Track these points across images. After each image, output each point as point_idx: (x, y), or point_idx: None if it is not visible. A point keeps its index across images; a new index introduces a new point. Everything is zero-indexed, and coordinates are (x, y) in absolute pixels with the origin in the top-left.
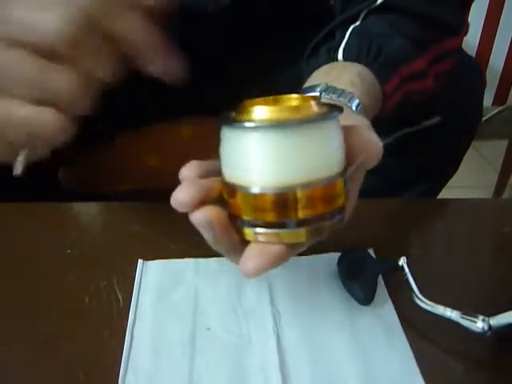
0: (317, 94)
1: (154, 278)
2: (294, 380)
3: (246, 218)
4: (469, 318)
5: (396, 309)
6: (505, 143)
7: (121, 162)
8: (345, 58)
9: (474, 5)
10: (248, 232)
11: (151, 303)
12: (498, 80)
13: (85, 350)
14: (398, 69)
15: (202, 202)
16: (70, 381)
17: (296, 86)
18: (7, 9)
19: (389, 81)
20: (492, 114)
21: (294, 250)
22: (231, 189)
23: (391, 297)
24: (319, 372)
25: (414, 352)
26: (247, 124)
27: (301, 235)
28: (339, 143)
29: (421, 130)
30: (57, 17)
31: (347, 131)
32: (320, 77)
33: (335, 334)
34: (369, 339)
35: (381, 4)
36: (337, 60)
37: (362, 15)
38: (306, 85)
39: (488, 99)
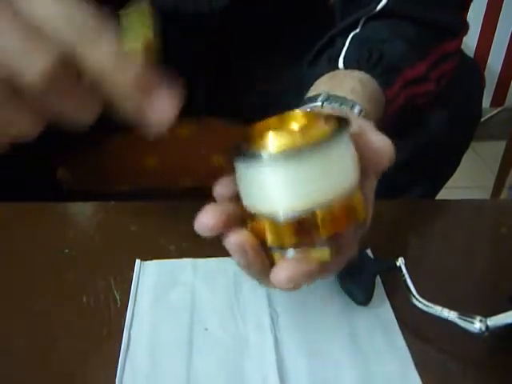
0: (318, 104)
1: (152, 278)
2: (292, 380)
3: (272, 243)
4: (466, 318)
5: (393, 309)
6: (502, 144)
7: (119, 162)
8: (345, 66)
9: (471, 6)
10: (277, 256)
11: (149, 303)
12: (495, 81)
13: (82, 350)
14: (400, 73)
15: (226, 226)
16: (67, 381)
17: (296, 85)
18: None
19: (391, 86)
20: (490, 115)
21: (325, 268)
22: (253, 217)
23: (389, 297)
24: (317, 372)
25: (411, 352)
26: (262, 156)
27: (327, 252)
28: (351, 157)
29: (422, 131)
30: (40, 53)
31: (356, 139)
32: (321, 86)
33: (333, 334)
34: (366, 339)
35: (380, 10)
36: (338, 68)
37: (362, 22)
38: (308, 95)
39: (486, 100)
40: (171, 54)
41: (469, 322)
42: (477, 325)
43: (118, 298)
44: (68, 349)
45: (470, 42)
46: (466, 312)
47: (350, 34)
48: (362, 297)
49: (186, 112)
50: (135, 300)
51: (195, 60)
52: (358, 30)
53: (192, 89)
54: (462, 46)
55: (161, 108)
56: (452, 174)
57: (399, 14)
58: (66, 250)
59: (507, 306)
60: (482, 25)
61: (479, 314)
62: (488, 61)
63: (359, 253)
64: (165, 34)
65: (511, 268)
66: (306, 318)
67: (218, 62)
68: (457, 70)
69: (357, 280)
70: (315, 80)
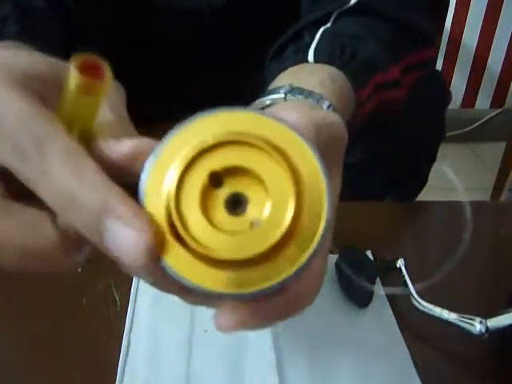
0: (281, 96)
1: None
2: (292, 381)
3: None
4: (466, 319)
5: (393, 310)
6: (502, 145)
7: None
8: (316, 60)
9: (472, 6)
10: None
11: (149, 305)
12: (495, 82)
13: (82, 352)
14: (372, 75)
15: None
16: (67, 383)
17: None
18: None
19: (363, 87)
20: (490, 116)
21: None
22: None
23: (389, 298)
24: (316, 373)
25: (411, 353)
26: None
27: None
28: None
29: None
30: None
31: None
32: (287, 78)
33: (333, 334)
34: (366, 340)
35: (353, 6)
36: (306, 61)
37: (333, 16)
38: (271, 87)
39: (486, 101)
40: (171, 52)
41: (469, 323)
42: (477, 326)
43: (118, 299)
44: (68, 351)
45: (470, 43)
46: (466, 313)
47: (319, 27)
48: (362, 298)
49: (182, 109)
50: (135, 302)
51: (195, 57)
52: (328, 25)
53: (190, 87)
54: (462, 47)
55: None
56: (422, 188)
57: (373, 11)
58: None
59: (507, 307)
60: (482, 26)
61: (479, 316)
62: (488, 62)
63: (359, 254)
64: (165, 31)
65: (511, 269)
66: (305, 319)
67: (217, 60)
68: (421, 82)
69: (357, 281)
70: (280, 72)
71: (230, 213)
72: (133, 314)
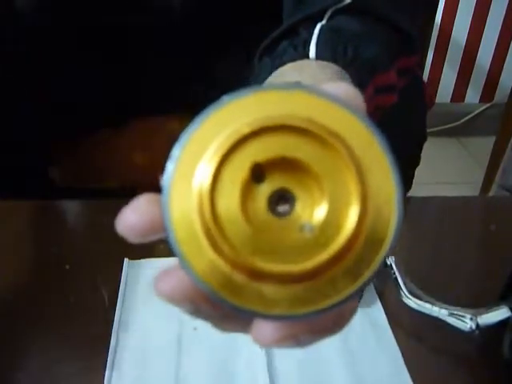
0: None
1: (140, 277)
2: (282, 379)
3: None
4: (457, 316)
5: (384, 307)
6: (492, 140)
7: (108, 158)
8: (318, 56)
9: (461, 2)
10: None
11: (137, 303)
12: (485, 77)
13: (70, 351)
14: (372, 77)
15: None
16: (55, 381)
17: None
18: None
19: (364, 89)
20: (479, 110)
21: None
22: None
23: (379, 296)
24: (307, 371)
25: (402, 351)
26: None
27: None
28: None
29: None
30: None
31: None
32: (291, 74)
33: None
34: (357, 338)
35: (349, 4)
36: (307, 57)
37: (328, 14)
38: (276, 80)
39: (475, 96)
40: (144, 38)
41: (459, 319)
42: (467, 323)
43: (105, 297)
44: (55, 349)
45: (459, 38)
46: (456, 310)
47: (315, 24)
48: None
49: (175, 107)
50: (123, 299)
51: (178, 55)
52: (324, 22)
53: (182, 84)
54: (452, 42)
55: None
56: (405, 194)
57: (369, 11)
58: (53, 249)
59: (497, 303)
60: (472, 20)
61: (469, 312)
62: (477, 56)
63: None
64: (137, 15)
65: (501, 266)
66: None
67: (199, 59)
68: (403, 88)
69: None
70: (277, 67)
71: (273, 214)
72: (121, 312)
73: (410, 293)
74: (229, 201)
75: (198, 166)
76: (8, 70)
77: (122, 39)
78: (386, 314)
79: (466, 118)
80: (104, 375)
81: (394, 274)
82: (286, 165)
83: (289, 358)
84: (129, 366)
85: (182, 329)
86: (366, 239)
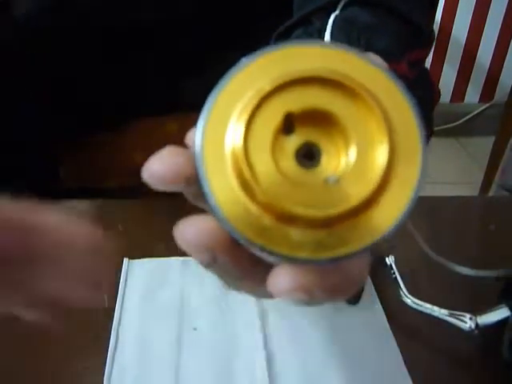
0: None
1: (140, 277)
2: (281, 379)
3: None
4: (456, 316)
5: (384, 307)
6: (491, 140)
7: (108, 159)
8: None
9: (461, 0)
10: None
11: (137, 303)
12: (485, 77)
13: (70, 351)
14: None
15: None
16: (56, 381)
17: None
18: None
19: None
20: (478, 110)
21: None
22: None
23: (379, 295)
24: (306, 371)
25: (401, 350)
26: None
27: None
28: None
29: None
30: None
31: None
32: None
33: (322, 332)
34: (356, 338)
35: None
36: None
37: (341, 4)
38: None
39: (475, 96)
40: (145, 38)
41: (459, 319)
42: (467, 322)
43: (105, 297)
44: (55, 350)
45: (459, 37)
46: (456, 309)
47: (329, 14)
48: (351, 295)
49: (176, 107)
50: (123, 299)
51: (179, 55)
52: (337, 12)
53: (183, 84)
54: (452, 41)
55: None
56: None
57: (381, 3)
58: None
59: (497, 303)
60: (472, 20)
61: (469, 312)
62: (477, 56)
63: None
64: (139, 15)
65: (500, 265)
66: (295, 316)
67: (195, 58)
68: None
69: None
70: None
71: (301, 165)
72: (121, 311)
73: (410, 293)
74: (261, 147)
75: (231, 115)
76: (10, 71)
77: (122, 40)
78: (386, 313)
79: (466, 117)
80: (104, 375)
81: (394, 273)
82: (314, 117)
83: (289, 358)
84: (129, 366)
85: (182, 329)
86: (389, 192)
